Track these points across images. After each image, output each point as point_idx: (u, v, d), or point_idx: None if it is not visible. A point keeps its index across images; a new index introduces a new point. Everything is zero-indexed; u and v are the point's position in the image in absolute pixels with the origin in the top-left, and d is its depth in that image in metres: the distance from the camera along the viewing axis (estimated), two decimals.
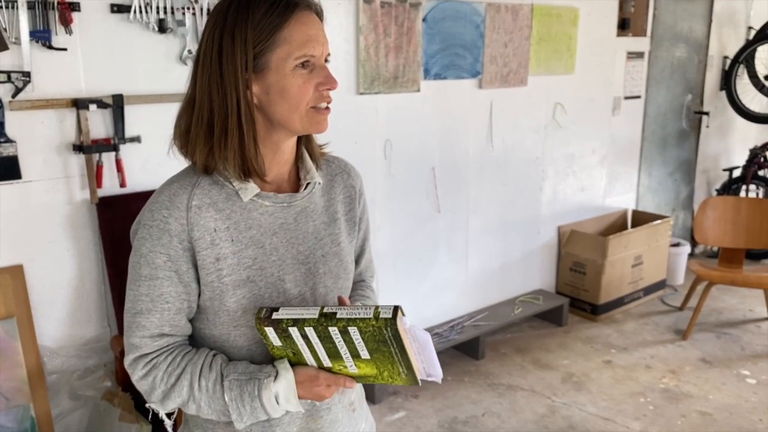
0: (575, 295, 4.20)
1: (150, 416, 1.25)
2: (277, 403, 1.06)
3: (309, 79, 1.07)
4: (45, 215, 2.35)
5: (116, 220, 2.40)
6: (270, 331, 1.02)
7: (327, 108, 1.11)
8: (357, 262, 1.34)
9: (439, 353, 3.55)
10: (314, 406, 1.17)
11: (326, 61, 1.11)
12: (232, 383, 1.06)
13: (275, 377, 1.06)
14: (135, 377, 1.10)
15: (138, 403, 2.41)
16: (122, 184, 2.43)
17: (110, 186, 2.43)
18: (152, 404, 1.11)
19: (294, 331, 1.01)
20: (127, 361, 1.10)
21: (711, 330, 4.01)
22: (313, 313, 1.00)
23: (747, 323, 4.12)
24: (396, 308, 0.98)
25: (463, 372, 3.48)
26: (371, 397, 3.14)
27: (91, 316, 2.50)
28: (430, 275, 3.56)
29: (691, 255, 5.02)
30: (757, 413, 3.10)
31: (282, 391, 1.05)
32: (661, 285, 4.54)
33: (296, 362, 1.07)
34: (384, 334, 0.97)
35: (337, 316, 0.98)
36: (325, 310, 1.00)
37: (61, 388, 2.41)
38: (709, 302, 4.27)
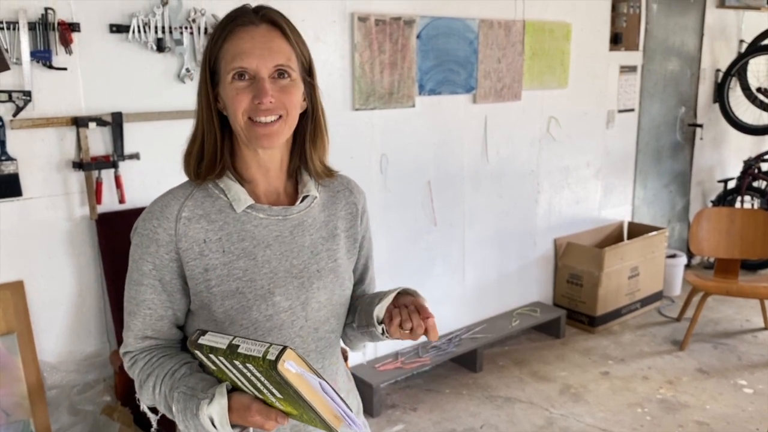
0: (572, 307, 4.22)
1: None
2: (214, 426, 1.00)
3: (244, 91, 1.08)
4: (45, 232, 2.38)
5: (115, 236, 2.43)
6: (199, 355, 0.97)
7: (269, 123, 1.09)
8: (362, 279, 1.34)
9: (437, 366, 3.57)
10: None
11: (284, 73, 1.10)
12: (180, 396, 1.06)
13: (210, 400, 1.00)
14: (125, 367, 1.19)
15: (137, 417, 2.43)
16: (121, 201, 2.47)
17: (109, 202, 2.46)
18: (137, 395, 1.17)
19: (214, 359, 0.95)
20: (120, 351, 1.20)
21: (708, 340, 4.03)
22: (225, 342, 0.94)
23: (744, 333, 4.13)
24: (283, 349, 0.88)
25: (461, 385, 3.50)
26: (369, 409, 3.16)
27: (90, 332, 2.53)
28: (427, 288, 3.58)
29: (688, 266, 5.04)
30: (754, 423, 3.12)
31: (216, 415, 0.99)
32: (657, 296, 4.55)
33: (236, 387, 1.01)
34: (273, 376, 0.88)
35: (238, 350, 0.91)
36: (234, 341, 0.93)
37: (61, 403, 2.42)
38: (706, 313, 4.29)
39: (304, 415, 0.97)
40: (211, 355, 0.95)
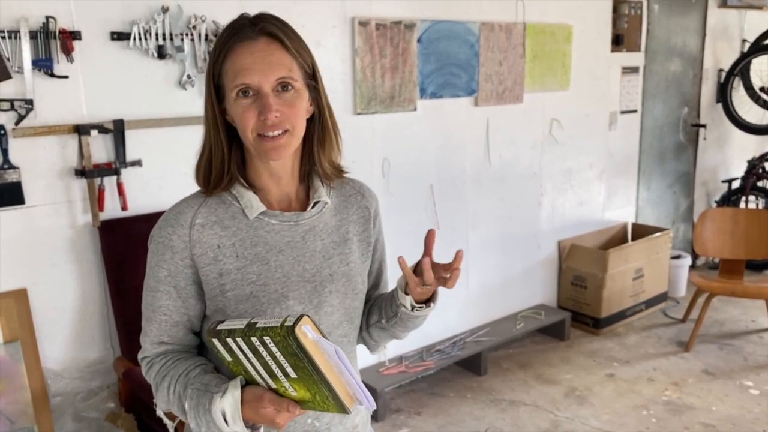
0: (577, 309, 4.20)
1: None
2: (225, 421, 1.02)
3: (249, 109, 1.08)
4: (48, 239, 2.39)
5: (118, 243, 2.43)
6: (216, 343, 1.00)
7: (276, 136, 1.09)
8: (377, 283, 1.35)
9: (442, 370, 3.57)
10: (314, 427, 1.19)
11: (287, 85, 1.10)
12: (193, 393, 1.08)
13: (223, 394, 1.03)
14: (142, 372, 1.21)
15: (141, 423, 2.43)
16: (124, 208, 2.47)
17: (112, 209, 2.47)
18: (155, 400, 1.19)
19: (232, 343, 0.98)
20: (138, 356, 1.22)
21: (713, 341, 4.01)
22: (243, 323, 0.97)
23: (749, 334, 4.12)
24: (301, 316, 0.92)
25: (466, 388, 3.49)
26: (374, 414, 3.15)
27: (94, 338, 2.53)
28: None
29: (693, 267, 5.03)
30: (760, 424, 3.10)
31: (228, 408, 1.01)
32: (662, 297, 4.54)
33: (250, 381, 1.03)
34: (290, 344, 0.91)
35: (257, 326, 0.94)
36: (252, 320, 0.97)
37: (65, 410, 2.43)
38: (711, 314, 4.28)
39: (317, 396, 0.98)
40: (229, 340, 0.98)
